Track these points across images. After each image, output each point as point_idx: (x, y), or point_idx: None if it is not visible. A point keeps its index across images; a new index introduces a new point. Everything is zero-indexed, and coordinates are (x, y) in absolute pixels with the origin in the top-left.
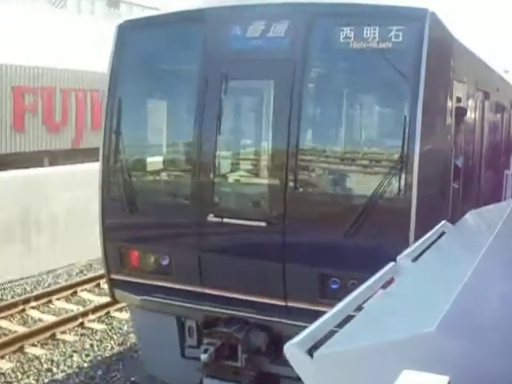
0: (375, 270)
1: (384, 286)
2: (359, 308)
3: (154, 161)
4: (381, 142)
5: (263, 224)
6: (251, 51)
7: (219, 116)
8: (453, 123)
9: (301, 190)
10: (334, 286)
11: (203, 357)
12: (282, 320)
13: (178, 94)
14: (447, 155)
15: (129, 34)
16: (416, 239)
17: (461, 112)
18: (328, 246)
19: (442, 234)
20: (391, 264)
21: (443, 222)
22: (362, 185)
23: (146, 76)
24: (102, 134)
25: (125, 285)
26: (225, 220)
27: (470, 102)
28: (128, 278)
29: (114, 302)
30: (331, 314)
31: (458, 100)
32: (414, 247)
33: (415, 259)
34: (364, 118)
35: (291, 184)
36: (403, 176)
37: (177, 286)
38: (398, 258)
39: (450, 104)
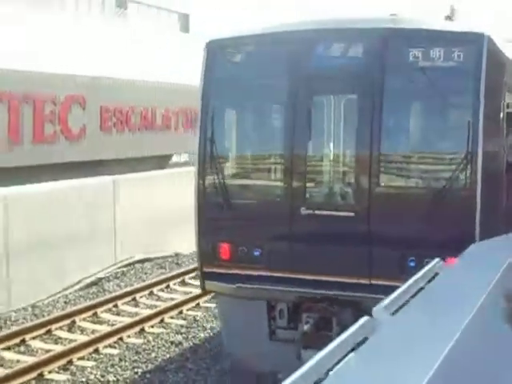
0: (446, 248)
1: (354, 349)
2: (326, 373)
3: (247, 165)
4: (449, 144)
5: (352, 214)
6: (333, 69)
7: (309, 125)
8: (505, 127)
9: (383, 185)
10: (411, 264)
11: (305, 327)
12: (367, 295)
13: (269, 107)
14: (501, 154)
15: (218, 52)
16: (480, 224)
17: (511, 117)
18: (406, 231)
19: (435, 275)
20: (365, 319)
21: (436, 260)
22: (434, 180)
23: (237, 91)
24: (197, 143)
25: (217, 276)
26: (316, 212)
27: None
28: (220, 269)
29: (204, 292)
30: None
31: (509, 107)
32: (397, 294)
33: (396, 311)
34: (434, 124)
35: (375, 180)
36: (469, 172)
37: (270, 274)
38: (375, 309)
39: (504, 111)
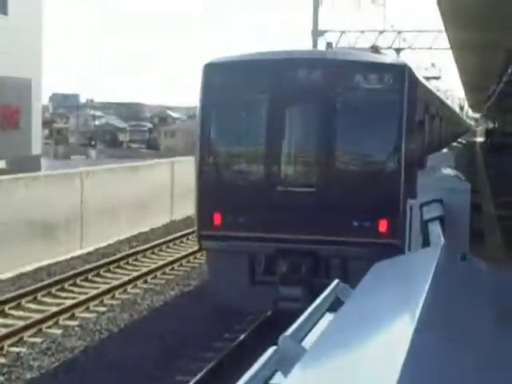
0: (378, 213)
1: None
2: None
3: (236, 157)
4: (382, 140)
5: (313, 189)
6: (299, 88)
7: (283, 127)
8: (416, 129)
9: (335, 169)
10: (354, 224)
11: (283, 269)
12: (323, 247)
13: (254, 114)
14: (415, 147)
15: (214, 72)
16: (402, 194)
17: (420, 121)
18: (350, 201)
19: (337, 300)
20: (272, 349)
21: (336, 281)
22: (369, 165)
23: (229, 101)
24: (198, 140)
25: (211, 237)
26: (288, 188)
27: (425, 115)
28: (214, 232)
29: (200, 249)
30: None
31: (419, 114)
32: (301, 320)
33: (303, 338)
34: (371, 126)
35: (329, 165)
36: (396, 159)
37: (252, 234)
38: (281, 337)
39: (417, 119)
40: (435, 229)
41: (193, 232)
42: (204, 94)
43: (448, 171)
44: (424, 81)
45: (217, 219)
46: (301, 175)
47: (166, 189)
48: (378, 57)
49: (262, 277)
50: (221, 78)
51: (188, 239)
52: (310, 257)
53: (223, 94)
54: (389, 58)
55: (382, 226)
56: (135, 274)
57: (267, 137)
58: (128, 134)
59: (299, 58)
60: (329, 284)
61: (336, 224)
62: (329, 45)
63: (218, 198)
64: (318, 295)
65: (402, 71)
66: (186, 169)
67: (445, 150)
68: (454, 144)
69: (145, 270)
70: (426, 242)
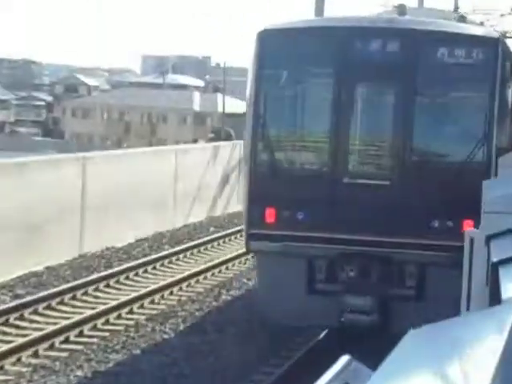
0: (463, 214)
1: None
2: None
3: (295, 141)
4: (471, 128)
5: (387, 183)
6: (375, 60)
7: (352, 108)
8: (509, 116)
9: (414, 160)
10: (434, 225)
11: (351, 274)
12: (397, 250)
13: (315, 92)
14: (505, 135)
15: (270, 41)
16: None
17: None
18: (430, 198)
19: None
20: None
21: (346, 358)
22: (456, 158)
23: (287, 76)
24: (249, 121)
25: (262, 237)
26: (358, 181)
27: None
28: (266, 231)
29: (248, 252)
30: None
31: None
32: None
33: None
34: (458, 111)
35: (407, 156)
36: (485, 152)
37: (313, 234)
38: None
39: (510, 102)
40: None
41: (127, 278)
42: (258, 69)
43: None
44: None
45: (270, 215)
46: (372, 165)
47: (73, 202)
48: (466, 27)
49: (322, 285)
50: (279, 48)
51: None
52: (381, 262)
53: (281, 68)
54: (479, 28)
55: (467, 227)
56: None
57: (333, 120)
58: (12, 110)
59: (372, 27)
60: (404, 296)
61: (413, 224)
62: (401, 6)
63: (273, 190)
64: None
65: (495, 45)
66: (107, 170)
67: None
68: None
69: None
70: (494, 297)
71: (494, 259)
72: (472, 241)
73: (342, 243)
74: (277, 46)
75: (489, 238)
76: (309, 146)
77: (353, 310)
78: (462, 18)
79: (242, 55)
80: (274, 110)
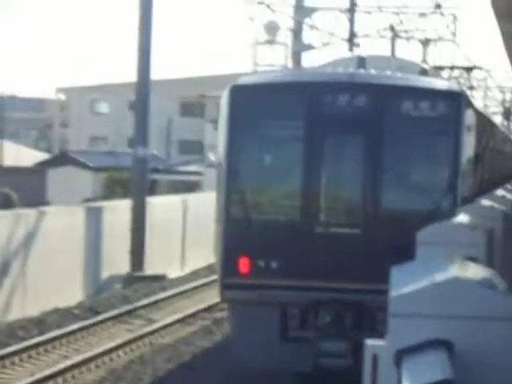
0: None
1: None
2: None
3: (267, 193)
4: (437, 176)
5: (358, 231)
6: (343, 114)
7: (322, 160)
8: (473, 162)
9: (384, 210)
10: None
11: (326, 319)
12: (369, 296)
13: (289, 145)
14: (473, 183)
15: (241, 95)
16: None
17: (478, 155)
18: (401, 245)
19: None
20: None
21: None
22: (423, 206)
23: (258, 128)
24: (222, 174)
25: (236, 286)
26: (329, 230)
27: (481, 148)
28: (241, 280)
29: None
30: None
31: (476, 147)
32: None
33: None
34: (424, 159)
35: (377, 206)
36: (451, 199)
37: (287, 283)
38: None
39: (473, 151)
40: None
41: None
42: (230, 124)
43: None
44: (479, 108)
45: (244, 265)
46: (343, 215)
47: None
48: (429, 81)
49: (296, 332)
50: (249, 103)
51: None
52: (354, 308)
53: (252, 122)
54: (442, 82)
55: None
56: None
57: (304, 172)
58: None
59: (338, 82)
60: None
61: (382, 271)
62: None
63: (247, 241)
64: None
65: (458, 99)
66: None
67: (485, 201)
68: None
69: None
70: None
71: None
72: (375, 359)
73: (315, 290)
74: (247, 101)
75: (400, 355)
76: (281, 197)
77: (327, 354)
78: (424, 71)
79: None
80: (247, 163)
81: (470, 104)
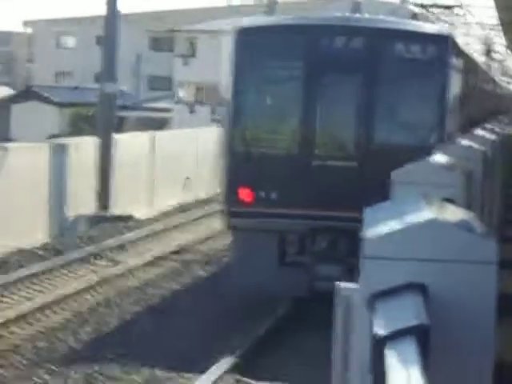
0: None
1: None
2: None
3: (269, 128)
4: (426, 110)
5: (355, 164)
6: (339, 55)
7: (319, 98)
8: (460, 101)
9: (375, 143)
10: None
11: (322, 245)
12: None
13: (287, 83)
14: (459, 118)
15: (246, 36)
16: None
17: (464, 94)
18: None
19: None
20: None
21: None
22: (411, 140)
23: (263, 68)
24: (228, 111)
25: (240, 214)
26: (327, 162)
27: (466, 87)
28: (244, 209)
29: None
30: None
31: (461, 87)
32: None
33: None
34: (410, 99)
35: (369, 140)
36: (437, 134)
37: (286, 211)
38: None
39: (458, 91)
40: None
41: None
42: (236, 63)
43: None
44: (466, 50)
45: (247, 195)
46: (339, 149)
47: None
48: (419, 25)
49: (293, 258)
50: (254, 44)
51: None
52: (348, 235)
53: (256, 62)
54: (431, 26)
55: None
56: None
57: (303, 108)
58: None
59: (338, 25)
60: None
61: (376, 200)
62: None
63: (250, 172)
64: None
65: (445, 42)
66: None
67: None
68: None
69: None
70: None
71: (380, 331)
72: (348, 302)
73: (312, 218)
74: (252, 42)
75: (373, 299)
76: (282, 132)
77: (323, 277)
78: (415, 15)
79: None
80: (251, 100)
81: (457, 46)
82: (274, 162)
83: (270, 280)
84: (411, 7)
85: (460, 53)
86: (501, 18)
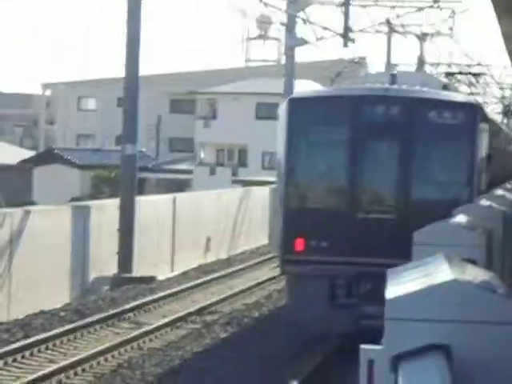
0: None
1: None
2: None
3: (319, 187)
4: (457, 174)
5: (393, 217)
6: (380, 121)
7: (364, 161)
8: (486, 161)
9: (413, 200)
10: None
11: (366, 289)
12: None
13: (336, 146)
14: (484, 179)
15: (298, 105)
16: None
17: (489, 155)
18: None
19: None
20: None
21: None
22: (445, 198)
23: (314, 134)
24: (282, 171)
25: (294, 262)
26: (370, 215)
27: (492, 148)
28: (297, 257)
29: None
30: None
31: (488, 148)
32: None
33: None
34: (443, 161)
35: (407, 198)
36: (468, 193)
37: (335, 259)
38: None
39: (485, 152)
40: None
41: None
42: (289, 129)
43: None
44: (490, 115)
45: (300, 245)
46: (381, 204)
47: None
48: (450, 95)
49: (343, 300)
50: (305, 112)
51: None
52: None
53: (307, 128)
54: (461, 95)
55: None
56: None
57: (350, 169)
58: None
59: (377, 96)
60: None
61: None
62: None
63: (303, 225)
64: None
65: (474, 110)
66: None
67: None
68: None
69: None
70: None
71: None
72: (371, 365)
73: (357, 265)
74: (303, 111)
75: (397, 360)
76: (330, 190)
77: (368, 316)
78: (445, 86)
79: None
80: (303, 161)
81: (483, 113)
82: (323, 216)
83: (322, 320)
84: (441, 78)
85: (485, 118)
86: None
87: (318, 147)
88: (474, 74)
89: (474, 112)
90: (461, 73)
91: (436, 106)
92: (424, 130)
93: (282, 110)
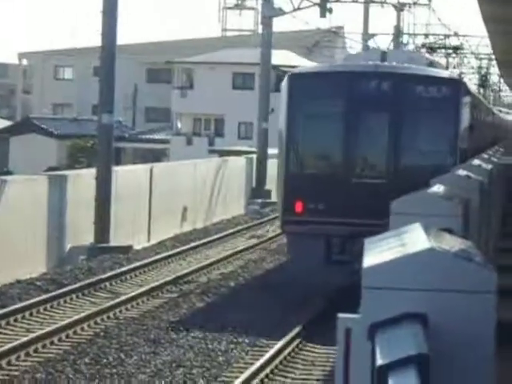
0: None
1: None
2: None
3: (318, 154)
4: (441, 140)
5: (384, 181)
6: (372, 95)
7: (359, 130)
8: (468, 131)
9: (401, 165)
10: None
11: (359, 247)
12: None
13: (332, 120)
14: (468, 145)
15: (297, 81)
16: None
17: (471, 125)
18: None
19: None
20: None
21: None
22: (427, 162)
23: (312, 108)
24: (283, 139)
25: (293, 222)
26: (363, 180)
27: (473, 119)
28: (296, 217)
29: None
30: None
31: (470, 119)
32: None
33: None
34: (429, 129)
35: (395, 162)
36: (451, 159)
37: (331, 219)
38: None
39: (470, 123)
40: None
41: None
42: (289, 102)
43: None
44: (473, 90)
45: (299, 207)
46: (373, 169)
47: None
48: (436, 71)
49: (337, 257)
50: (303, 87)
51: None
52: None
53: (305, 101)
54: (445, 71)
55: None
56: None
57: (344, 138)
58: None
59: (369, 72)
60: None
61: None
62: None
63: (301, 189)
64: None
65: (457, 84)
66: None
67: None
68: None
69: None
70: None
71: (381, 361)
72: (348, 333)
73: (351, 225)
74: (301, 85)
75: (373, 329)
76: (327, 156)
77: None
78: (431, 63)
79: None
80: (302, 131)
81: (466, 87)
82: (320, 181)
83: (318, 273)
84: (427, 55)
85: (467, 92)
86: (494, 47)
87: (315, 118)
88: (454, 48)
89: (457, 86)
90: (439, 47)
91: (423, 81)
92: (412, 103)
93: (284, 84)
